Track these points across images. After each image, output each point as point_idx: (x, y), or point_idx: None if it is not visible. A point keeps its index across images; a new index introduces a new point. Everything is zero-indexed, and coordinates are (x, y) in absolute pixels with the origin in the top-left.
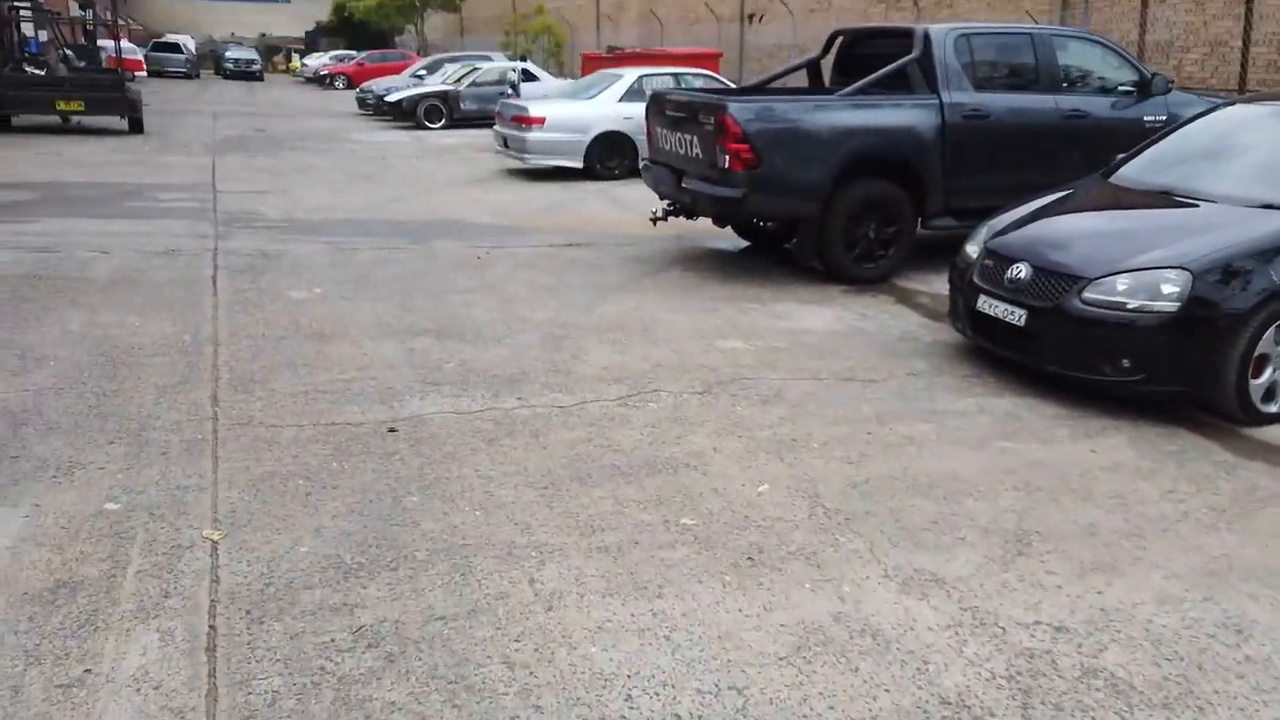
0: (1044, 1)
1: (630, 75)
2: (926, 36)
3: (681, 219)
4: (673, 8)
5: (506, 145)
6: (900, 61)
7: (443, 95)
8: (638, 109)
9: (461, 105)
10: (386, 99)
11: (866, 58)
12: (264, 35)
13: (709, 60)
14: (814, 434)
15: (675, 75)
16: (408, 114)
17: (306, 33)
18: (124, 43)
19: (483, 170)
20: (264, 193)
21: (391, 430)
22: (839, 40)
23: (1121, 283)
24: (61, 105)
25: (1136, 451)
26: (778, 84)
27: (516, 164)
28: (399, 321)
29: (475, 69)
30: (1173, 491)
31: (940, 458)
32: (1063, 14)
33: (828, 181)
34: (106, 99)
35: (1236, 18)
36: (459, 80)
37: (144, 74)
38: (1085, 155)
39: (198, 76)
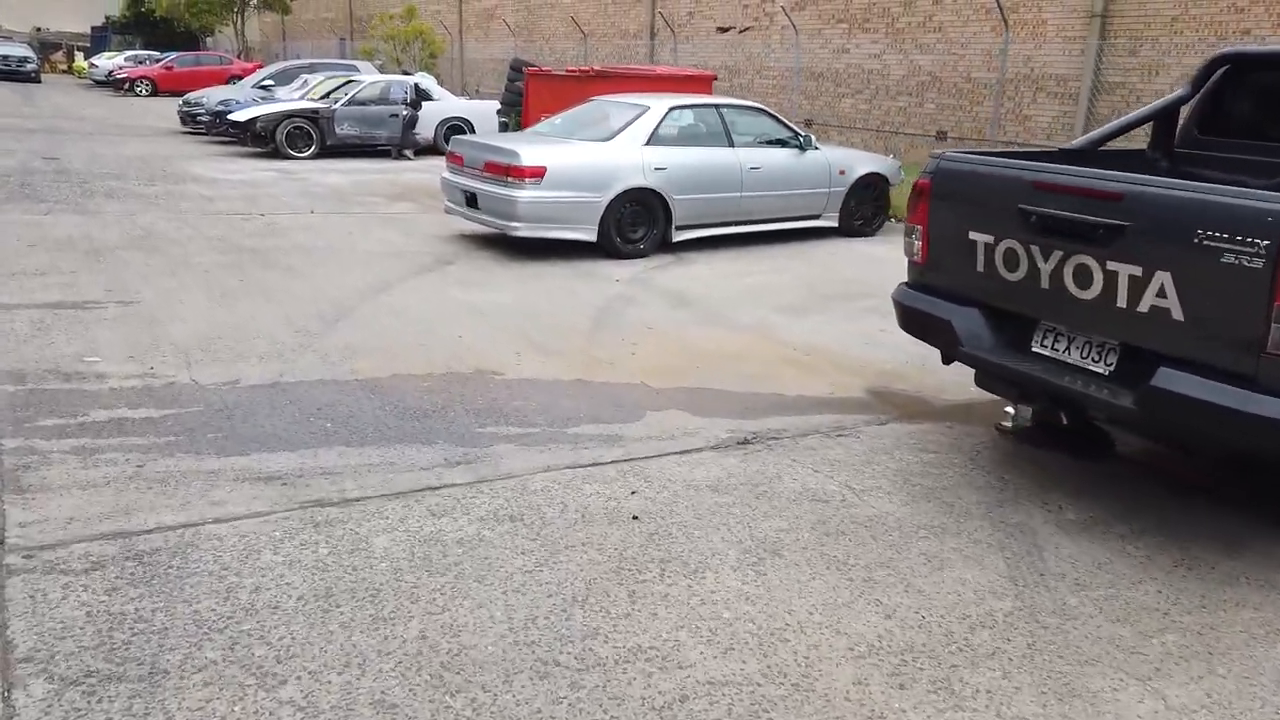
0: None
1: (659, 106)
2: None
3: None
4: (562, 20)
5: (473, 204)
6: None
7: (312, 115)
8: (672, 157)
9: (338, 129)
10: (230, 117)
11: (1272, 100)
12: (39, 29)
13: (702, 84)
14: None
15: (717, 107)
16: (261, 138)
17: (93, 28)
18: None
19: (429, 237)
20: (82, 305)
21: None
22: (1222, 70)
23: None
24: None
25: None
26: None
27: (479, 229)
28: None
29: (350, 82)
30: None
31: None
32: None
33: None
34: None
35: None
36: (328, 95)
37: None
38: None
39: None
